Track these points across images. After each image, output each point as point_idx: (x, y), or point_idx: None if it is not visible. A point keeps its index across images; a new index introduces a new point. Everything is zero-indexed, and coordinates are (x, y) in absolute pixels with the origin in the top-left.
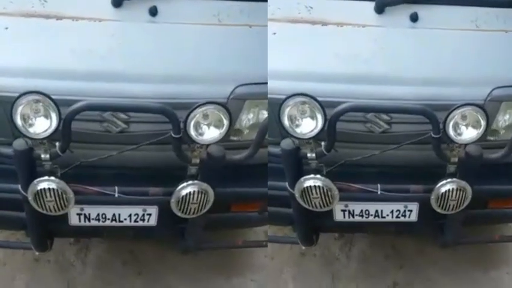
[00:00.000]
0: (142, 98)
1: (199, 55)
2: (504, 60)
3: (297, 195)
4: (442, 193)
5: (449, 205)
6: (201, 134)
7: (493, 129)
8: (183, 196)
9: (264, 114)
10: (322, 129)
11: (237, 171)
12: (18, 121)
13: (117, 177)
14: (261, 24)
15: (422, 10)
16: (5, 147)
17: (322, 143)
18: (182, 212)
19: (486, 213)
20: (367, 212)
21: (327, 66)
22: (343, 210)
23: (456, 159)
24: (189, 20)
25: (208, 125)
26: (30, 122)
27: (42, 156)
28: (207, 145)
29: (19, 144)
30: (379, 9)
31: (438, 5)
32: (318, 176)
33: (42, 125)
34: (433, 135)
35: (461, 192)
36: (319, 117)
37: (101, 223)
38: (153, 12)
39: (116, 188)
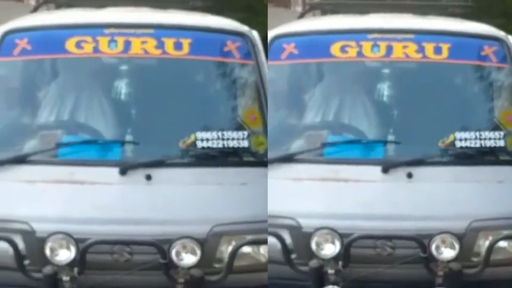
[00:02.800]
0: (139, 236)
1: (184, 205)
2: (476, 202)
3: None
4: None
5: None
6: (182, 260)
7: (475, 252)
8: None
9: None
10: (339, 252)
11: None
12: (48, 252)
13: None
14: (230, 182)
15: (416, 170)
16: (36, 273)
17: (340, 262)
18: None
19: None
20: None
21: (345, 208)
22: None
23: (442, 273)
24: (175, 182)
25: (186, 253)
26: (55, 252)
27: (64, 278)
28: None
29: (47, 269)
30: (385, 170)
31: (427, 167)
32: (336, 286)
33: (65, 255)
34: (421, 254)
35: None
36: (338, 243)
37: None
38: (149, 177)
39: None
